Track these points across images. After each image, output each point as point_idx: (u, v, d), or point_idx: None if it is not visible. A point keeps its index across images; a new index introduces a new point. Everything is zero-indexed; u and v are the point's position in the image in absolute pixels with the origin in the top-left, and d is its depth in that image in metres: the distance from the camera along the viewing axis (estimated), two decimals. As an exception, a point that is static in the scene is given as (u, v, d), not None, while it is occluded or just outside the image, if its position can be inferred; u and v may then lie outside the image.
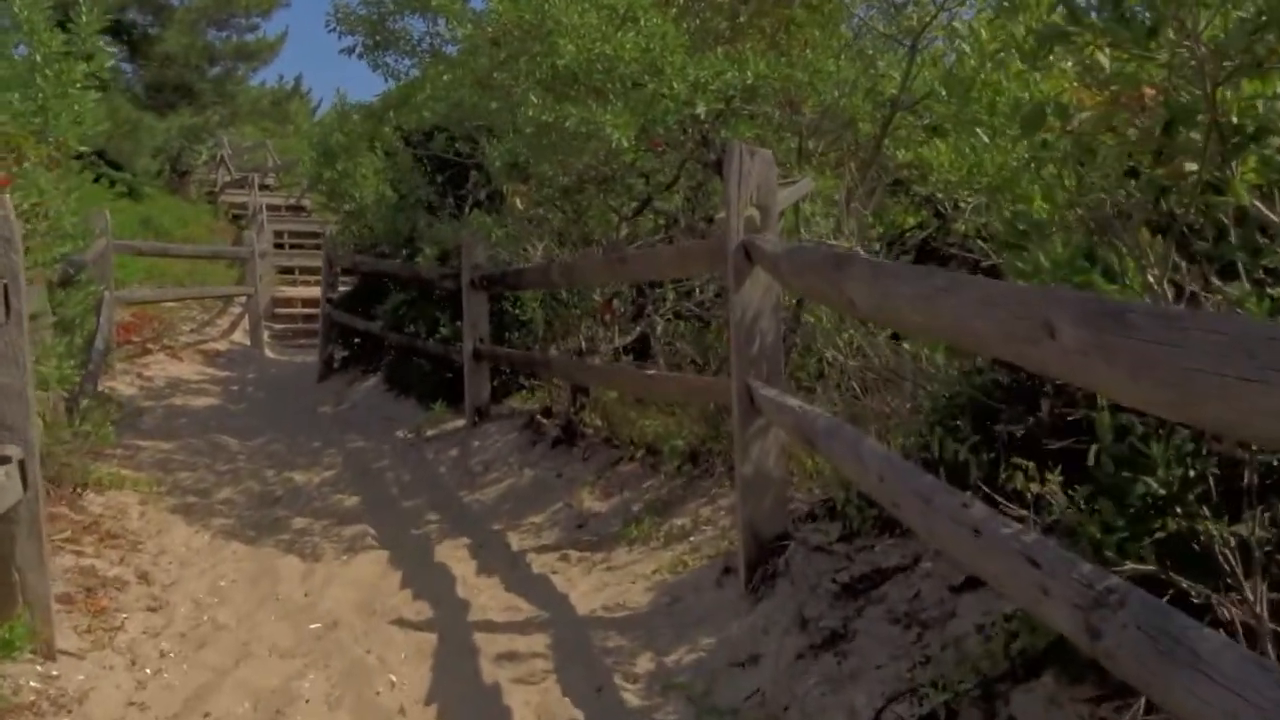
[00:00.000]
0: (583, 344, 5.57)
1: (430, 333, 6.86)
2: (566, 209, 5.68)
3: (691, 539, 3.72)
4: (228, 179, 21.55)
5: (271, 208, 20.40)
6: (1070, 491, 2.11)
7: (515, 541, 4.23)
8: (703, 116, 4.00)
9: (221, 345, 11.76)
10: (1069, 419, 2.67)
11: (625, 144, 3.87)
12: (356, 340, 8.75)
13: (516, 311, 6.57)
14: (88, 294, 7.28)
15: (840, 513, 3.18)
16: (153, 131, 16.28)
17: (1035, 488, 2.07)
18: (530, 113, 4.08)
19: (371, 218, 8.31)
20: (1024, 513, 2.18)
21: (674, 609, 3.25)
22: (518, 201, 5.26)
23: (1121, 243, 1.83)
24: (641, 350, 5.70)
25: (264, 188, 20.99)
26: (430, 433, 6.37)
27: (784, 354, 3.25)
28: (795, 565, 3.07)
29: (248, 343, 12.18)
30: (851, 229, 3.71)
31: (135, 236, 14.41)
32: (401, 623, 3.29)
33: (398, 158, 8.06)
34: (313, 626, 3.26)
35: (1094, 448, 1.87)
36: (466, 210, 8.00)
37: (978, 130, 2.86)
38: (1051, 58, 2.22)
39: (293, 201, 20.00)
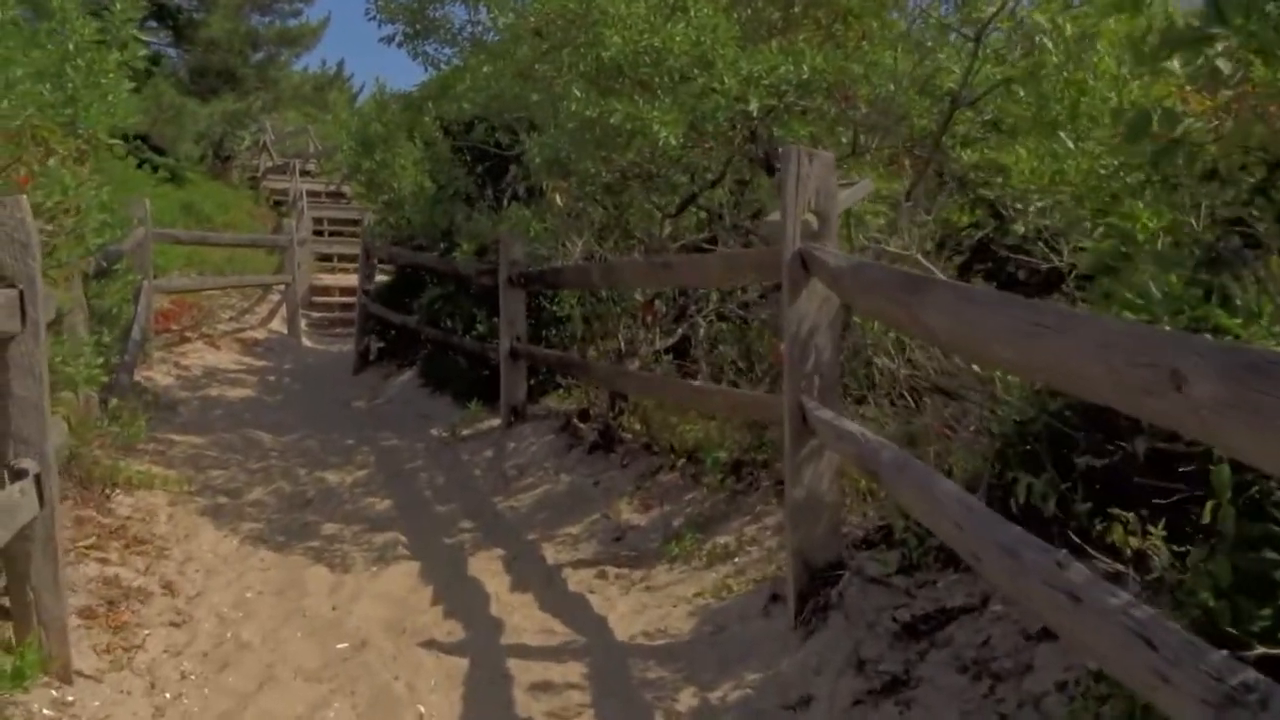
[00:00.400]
0: (621, 345, 5.39)
1: (466, 329, 6.72)
2: (607, 205, 5.49)
3: (735, 560, 3.53)
4: (269, 164, 21.64)
5: (311, 194, 20.44)
6: (1175, 544, 1.89)
7: (551, 554, 4.06)
8: (755, 113, 3.78)
9: (260, 334, 11.75)
10: (1161, 452, 2.44)
11: (673, 142, 3.67)
12: (393, 332, 8.65)
13: (554, 309, 6.40)
14: (125, 284, 7.24)
15: (899, 541, 2.97)
16: (196, 117, 16.34)
17: (1135, 542, 1.85)
18: (574, 107, 3.89)
19: (409, 209, 8.18)
20: (1120, 568, 1.96)
21: (718, 638, 3.07)
22: (558, 198, 5.08)
23: (1249, 272, 1.61)
24: (681, 350, 5.52)
25: (305, 174, 21.03)
26: (465, 432, 6.23)
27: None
28: (850, 598, 2.87)
29: (285, 331, 12.16)
30: (909, 231, 3.48)
31: (176, 222, 14.47)
32: (431, 645, 3.14)
33: (436, 148, 7.92)
34: (340, 646, 3.12)
35: (1210, 504, 1.65)
36: (505, 204, 7.85)
37: (1060, 134, 2.63)
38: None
39: (333, 188, 19.99)
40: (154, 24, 18.11)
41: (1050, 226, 3.63)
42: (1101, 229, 2.52)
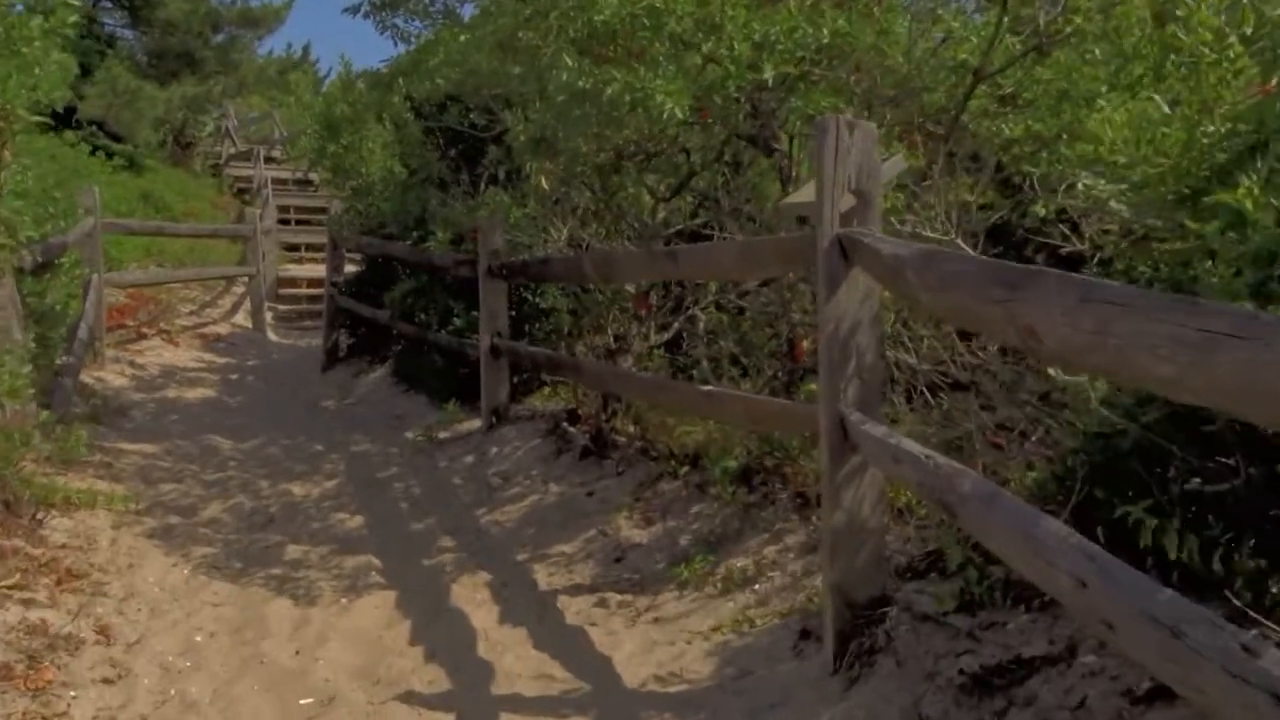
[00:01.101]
0: (611, 340, 4.96)
1: (442, 324, 6.25)
2: (595, 189, 5.05)
3: (756, 587, 3.12)
4: (233, 151, 20.92)
5: (278, 181, 19.76)
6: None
7: (543, 578, 3.64)
8: (770, 83, 3.36)
9: (223, 328, 11.19)
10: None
11: (679, 114, 3.23)
12: (363, 328, 8.15)
13: (537, 301, 5.96)
14: (71, 279, 6.71)
15: (954, 571, 2.58)
16: (154, 101, 15.64)
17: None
18: (564, 77, 3.44)
19: (379, 196, 7.67)
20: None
21: (743, 685, 2.66)
22: (543, 181, 4.64)
23: None
24: (674, 344, 5.10)
25: (270, 160, 20.33)
26: (443, 435, 5.77)
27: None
28: (900, 640, 2.47)
29: (250, 326, 11.61)
30: (941, 213, 3.07)
31: (135, 211, 13.83)
32: (411, 698, 2.70)
33: (407, 130, 7.42)
34: (304, 703, 2.68)
35: None
36: (482, 189, 7.38)
37: (1154, 98, 2.23)
38: None
39: (300, 175, 19.25)
40: (109, 4, 17.38)
41: (1076, 206, 3.26)
42: (1187, 210, 2.13)
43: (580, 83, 3.38)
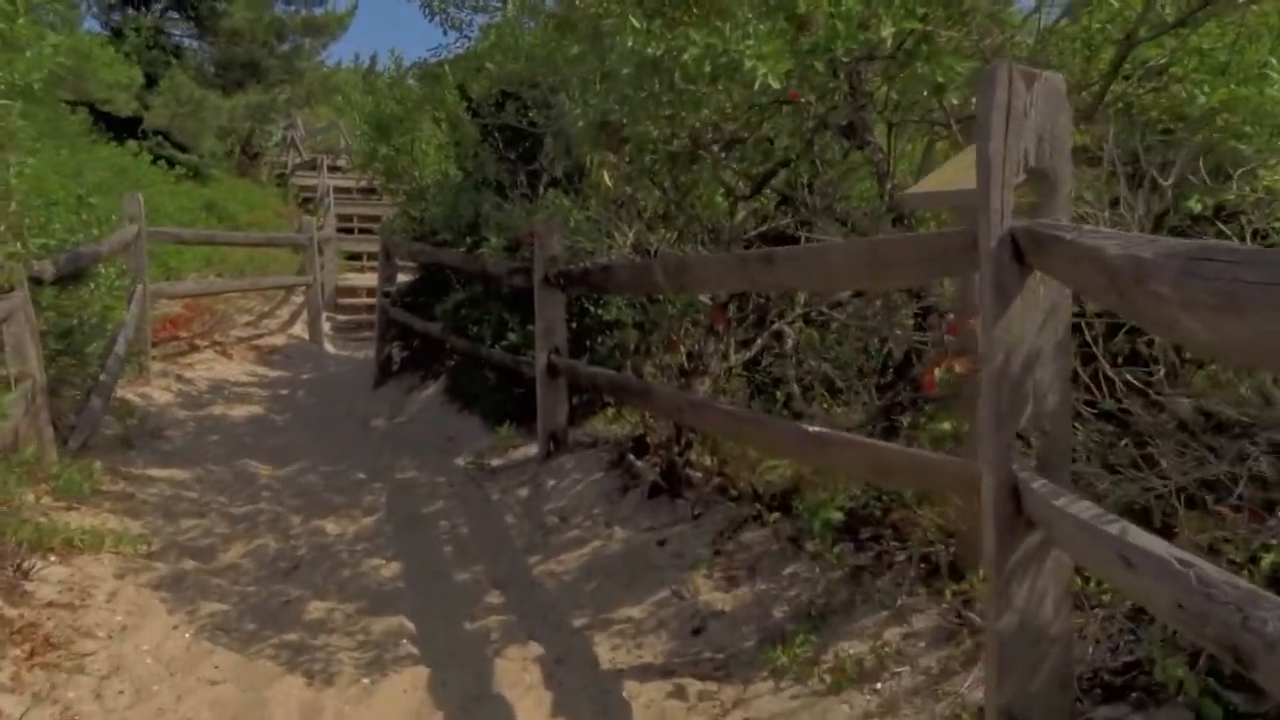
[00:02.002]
0: (684, 359, 4.31)
1: (496, 338, 5.68)
2: (666, 184, 4.41)
3: (878, 686, 2.44)
4: (298, 161, 20.86)
5: (341, 190, 19.62)
6: None
7: (606, 652, 3.00)
8: (888, 43, 2.68)
9: (279, 340, 10.85)
10: None
11: (774, 84, 2.57)
12: (416, 341, 7.64)
13: (599, 312, 5.35)
14: (111, 290, 6.32)
15: (1168, 691, 1.87)
16: (217, 110, 15.52)
17: None
18: (630, 44, 2.81)
19: (432, 201, 7.16)
20: None
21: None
22: (605, 177, 4.02)
23: None
24: (754, 361, 4.43)
25: (335, 169, 20.22)
26: (495, 462, 5.19)
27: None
28: (1101, 797, 1.77)
29: (306, 337, 11.26)
30: (1134, 201, 2.35)
31: (196, 221, 13.66)
32: (435, 834, 2.09)
33: (462, 130, 6.89)
34: (298, 839, 2.08)
35: None
36: (540, 191, 6.81)
37: None
38: None
39: (364, 184, 19.13)
40: (175, 14, 17.39)
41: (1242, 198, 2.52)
42: None
43: (649, 49, 2.74)
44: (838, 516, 3.05)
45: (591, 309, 5.40)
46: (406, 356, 7.90)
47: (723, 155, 4.00)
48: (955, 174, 2.24)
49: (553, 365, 4.93)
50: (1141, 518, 2.19)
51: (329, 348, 11.42)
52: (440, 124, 7.93)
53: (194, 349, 9.20)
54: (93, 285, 6.11)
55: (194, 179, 16.55)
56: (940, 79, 2.70)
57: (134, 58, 15.63)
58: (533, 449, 5.20)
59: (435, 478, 5.23)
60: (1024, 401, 1.80)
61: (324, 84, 20.04)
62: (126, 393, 6.96)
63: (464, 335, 6.14)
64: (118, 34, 16.61)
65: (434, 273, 7.40)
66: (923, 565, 2.79)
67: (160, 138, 16.18)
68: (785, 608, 2.95)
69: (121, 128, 15.41)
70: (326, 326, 12.75)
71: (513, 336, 5.50)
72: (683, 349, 4.31)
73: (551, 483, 4.67)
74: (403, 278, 8.45)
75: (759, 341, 4.32)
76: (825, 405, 4.02)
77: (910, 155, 4.60)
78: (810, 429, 2.72)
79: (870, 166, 3.96)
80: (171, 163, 14.67)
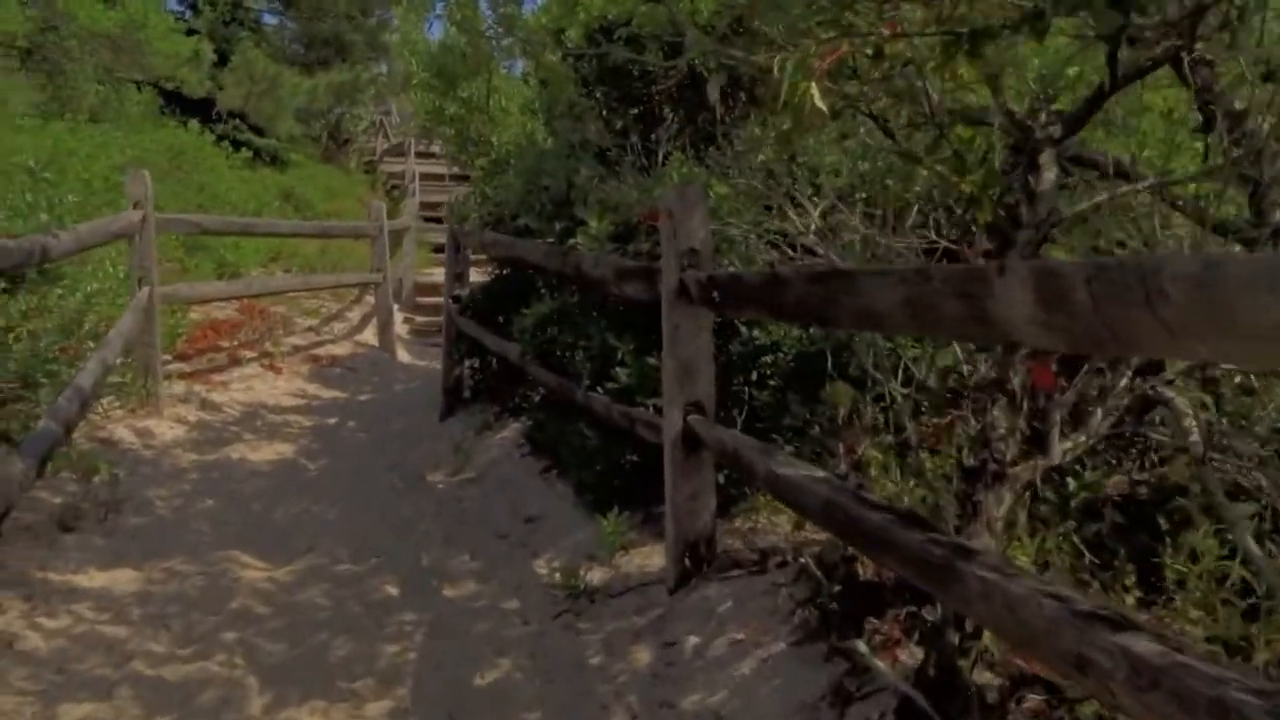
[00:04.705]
0: (965, 448, 2.24)
1: (598, 375, 3.74)
2: (926, 92, 2.34)
3: None
4: (386, 146, 19.47)
5: (433, 177, 18.19)
6: None
7: None
8: None
9: (342, 348, 9.19)
10: None
11: None
12: (492, 360, 5.78)
13: (756, 334, 3.37)
14: (83, 293, 4.65)
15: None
16: (295, 89, 14.10)
17: None
18: None
19: (514, 171, 5.28)
20: None
21: None
22: (814, 93, 2.00)
23: None
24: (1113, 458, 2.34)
25: (426, 155, 18.75)
26: (597, 580, 3.26)
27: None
28: None
29: (376, 343, 9.59)
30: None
31: (264, 209, 12.23)
32: None
33: (553, 78, 4.96)
34: None
35: None
36: (660, 160, 4.85)
37: None
38: None
39: (457, 170, 17.62)
40: (253, -13, 16.09)
41: None
42: None
43: None
44: None
45: (743, 327, 3.41)
46: (480, 378, 6.04)
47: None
48: None
49: (692, 433, 2.95)
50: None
51: (402, 356, 9.73)
52: (528, 72, 6.05)
53: (236, 362, 7.59)
54: (57, 290, 4.44)
55: (271, 164, 15.23)
56: None
57: (208, 35, 14.36)
58: (654, 557, 3.27)
59: (503, 600, 3.32)
60: None
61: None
62: (118, 429, 5.31)
63: (551, 365, 4.21)
64: (195, 10, 15.41)
65: (514, 271, 5.50)
66: None
67: (237, 120, 14.90)
68: None
69: (194, 109, 14.16)
70: (403, 329, 11.11)
71: (623, 375, 3.54)
72: (959, 428, 2.25)
73: (693, 642, 2.69)
74: (478, 276, 6.58)
75: (1100, 415, 2.22)
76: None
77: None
78: None
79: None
80: (240, 145, 13.29)
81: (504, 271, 5.75)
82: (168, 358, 6.79)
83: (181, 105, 14.13)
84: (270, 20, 16.24)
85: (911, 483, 2.53)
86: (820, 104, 2.07)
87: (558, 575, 3.39)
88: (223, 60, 14.09)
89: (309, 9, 15.96)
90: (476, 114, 5.54)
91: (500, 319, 5.42)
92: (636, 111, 5.36)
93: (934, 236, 3.03)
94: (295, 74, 14.54)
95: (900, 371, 2.55)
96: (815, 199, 3.43)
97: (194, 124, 12.56)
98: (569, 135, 4.72)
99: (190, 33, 13.63)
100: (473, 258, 6.46)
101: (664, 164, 4.74)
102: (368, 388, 7.95)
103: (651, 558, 3.32)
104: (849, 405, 2.56)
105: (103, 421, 5.24)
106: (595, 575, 3.32)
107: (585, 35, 5.29)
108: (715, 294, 2.61)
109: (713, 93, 3.35)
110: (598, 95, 5.25)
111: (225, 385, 6.98)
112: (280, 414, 6.65)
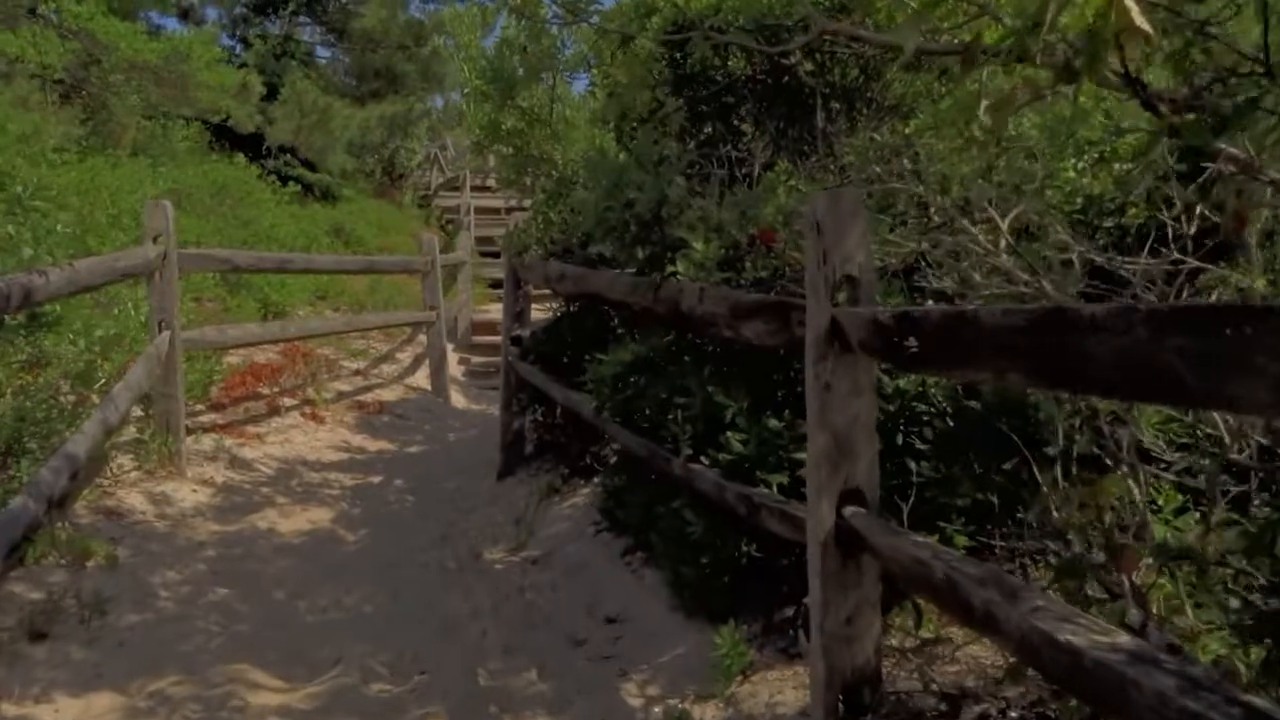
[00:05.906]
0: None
1: (702, 441, 2.89)
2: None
3: None
4: (440, 180, 19.02)
5: (488, 210, 17.61)
6: None
7: None
8: None
9: (392, 393, 8.49)
10: None
11: None
12: (558, 412, 4.96)
13: (901, 382, 2.51)
14: (87, 339, 3.97)
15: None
16: (346, 122, 13.64)
17: None
18: None
19: (585, 186, 4.51)
20: None
21: None
22: (1136, 13, 1.20)
23: None
24: None
25: (483, 189, 18.27)
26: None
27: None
28: None
29: (429, 388, 8.88)
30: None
31: (313, 245, 11.70)
32: None
33: (628, 74, 4.18)
34: None
35: None
36: (756, 174, 4.04)
37: None
38: None
39: (514, 203, 17.07)
40: (306, 19, 15.78)
41: None
42: None
43: None
44: None
45: (892, 380, 2.55)
46: (544, 437, 5.22)
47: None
48: None
49: (852, 533, 2.09)
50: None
51: (457, 399, 9.01)
52: (594, 88, 5.29)
53: (274, 411, 6.90)
54: (47, 333, 3.76)
55: (322, 200, 14.78)
56: None
57: (257, 69, 14.00)
58: (785, 688, 2.44)
59: (583, 751, 2.47)
60: None
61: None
62: (130, 496, 4.60)
63: (635, 424, 3.37)
64: (246, 44, 15.13)
65: (583, 307, 4.69)
66: None
67: (287, 155, 14.51)
68: None
69: (243, 145, 13.78)
70: (458, 370, 10.41)
71: (737, 443, 2.69)
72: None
73: None
74: (539, 313, 5.81)
75: None
76: None
77: None
78: None
79: None
80: (288, 180, 12.81)
81: (570, 308, 4.95)
82: (200, 408, 6.13)
83: (230, 140, 13.75)
84: (324, 54, 15.90)
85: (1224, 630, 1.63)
86: (1141, 20, 1.23)
87: (657, 710, 2.54)
88: (272, 94, 13.70)
89: (361, 39, 15.59)
90: (538, 127, 4.79)
91: (565, 360, 4.61)
92: (721, 122, 4.58)
93: (1177, 255, 2.17)
94: (347, 105, 14.09)
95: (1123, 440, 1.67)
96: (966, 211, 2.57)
97: (240, 158, 12.12)
98: (648, 148, 3.94)
99: (240, 67, 13.27)
100: (534, 293, 5.69)
101: (759, 179, 3.93)
102: (419, 437, 7.21)
103: (782, 689, 2.47)
104: (1115, 501, 1.68)
105: (113, 487, 4.54)
106: (709, 713, 2.46)
107: (663, 31, 4.53)
108: (911, 341, 1.75)
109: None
110: (681, 101, 4.47)
111: (260, 438, 6.28)
112: (319, 471, 5.92)
